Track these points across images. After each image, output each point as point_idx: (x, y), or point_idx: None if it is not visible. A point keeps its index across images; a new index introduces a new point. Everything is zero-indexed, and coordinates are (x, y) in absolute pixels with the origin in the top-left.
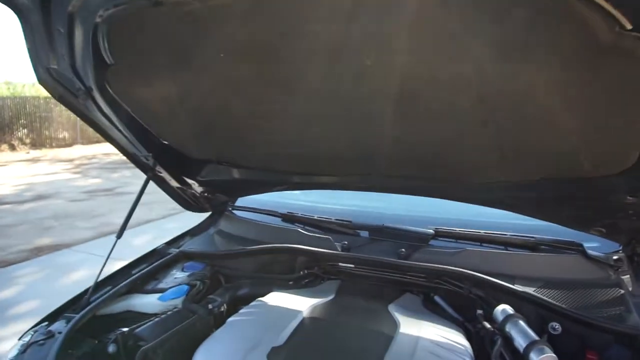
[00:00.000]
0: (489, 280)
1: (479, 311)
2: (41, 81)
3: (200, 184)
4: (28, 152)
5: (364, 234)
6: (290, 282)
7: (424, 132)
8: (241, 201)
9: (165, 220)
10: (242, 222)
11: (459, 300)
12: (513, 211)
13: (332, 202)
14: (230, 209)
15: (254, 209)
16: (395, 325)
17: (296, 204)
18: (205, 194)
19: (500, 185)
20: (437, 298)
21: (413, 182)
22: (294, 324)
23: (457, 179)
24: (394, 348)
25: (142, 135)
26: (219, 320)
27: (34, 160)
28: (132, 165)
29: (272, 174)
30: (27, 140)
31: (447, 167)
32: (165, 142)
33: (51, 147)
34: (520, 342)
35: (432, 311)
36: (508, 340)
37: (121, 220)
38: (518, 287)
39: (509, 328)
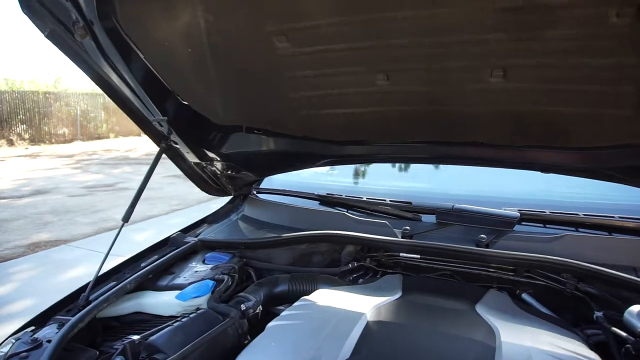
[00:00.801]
0: (603, 271)
1: (598, 313)
2: (26, 10)
3: (223, 158)
4: (27, 148)
5: (428, 218)
6: (336, 277)
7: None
8: (266, 182)
9: (168, 216)
10: (272, 205)
11: (556, 300)
12: (632, 185)
13: (379, 183)
14: (255, 192)
15: (284, 191)
16: (492, 331)
17: (334, 185)
18: (229, 172)
19: (621, 151)
20: (525, 296)
21: (491, 150)
22: (357, 330)
23: (559, 144)
24: None
25: (156, 92)
26: (254, 324)
27: (33, 155)
28: (133, 161)
29: (314, 144)
30: (26, 136)
31: (548, 128)
32: (185, 103)
33: (50, 143)
34: None
35: (526, 311)
36: None
37: (122, 216)
38: None
39: None
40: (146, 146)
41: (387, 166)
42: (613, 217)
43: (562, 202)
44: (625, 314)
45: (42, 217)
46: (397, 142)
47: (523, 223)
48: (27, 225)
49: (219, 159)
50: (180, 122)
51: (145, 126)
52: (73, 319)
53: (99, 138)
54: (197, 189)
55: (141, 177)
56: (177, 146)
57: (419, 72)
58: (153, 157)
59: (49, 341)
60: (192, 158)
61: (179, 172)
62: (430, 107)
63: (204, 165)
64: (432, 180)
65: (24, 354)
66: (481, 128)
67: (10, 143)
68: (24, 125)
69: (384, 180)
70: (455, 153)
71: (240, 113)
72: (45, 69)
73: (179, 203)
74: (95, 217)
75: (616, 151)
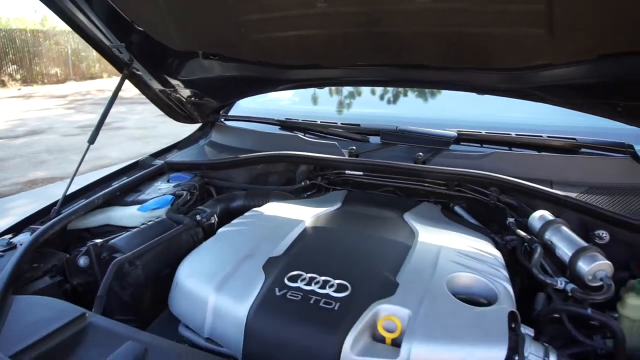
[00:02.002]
0: (521, 183)
1: (510, 219)
2: None
3: (186, 84)
4: (19, 89)
5: (374, 139)
6: (290, 194)
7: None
8: (234, 110)
9: None
10: (236, 130)
11: (483, 211)
12: (554, 104)
13: (334, 107)
14: (222, 119)
15: (248, 117)
16: (413, 234)
17: (295, 111)
18: (193, 99)
19: (543, 71)
20: (457, 208)
21: (433, 72)
22: (294, 233)
23: (489, 65)
24: (412, 258)
25: (112, 19)
26: (210, 233)
27: (26, 96)
28: (127, 100)
29: (269, 69)
30: (18, 77)
31: (477, 49)
32: (141, 29)
33: (43, 83)
34: (564, 250)
35: (454, 221)
36: (548, 250)
37: (116, 154)
38: (558, 192)
39: (549, 235)
40: None
41: (343, 94)
42: (541, 136)
43: (499, 122)
44: (529, 219)
45: (38, 156)
46: (346, 66)
47: (462, 143)
48: (23, 163)
49: (181, 85)
50: (139, 48)
51: (106, 53)
52: (43, 227)
53: (92, 78)
54: (189, 127)
55: (135, 117)
56: (139, 73)
57: None
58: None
59: (22, 245)
60: (155, 85)
61: None
62: (369, 29)
63: (168, 92)
64: (381, 105)
65: (0, 253)
66: (419, 50)
67: (3, 84)
68: (15, 66)
69: (338, 107)
70: (400, 76)
71: (194, 38)
72: (32, 6)
73: (172, 141)
74: (90, 155)
75: (538, 71)
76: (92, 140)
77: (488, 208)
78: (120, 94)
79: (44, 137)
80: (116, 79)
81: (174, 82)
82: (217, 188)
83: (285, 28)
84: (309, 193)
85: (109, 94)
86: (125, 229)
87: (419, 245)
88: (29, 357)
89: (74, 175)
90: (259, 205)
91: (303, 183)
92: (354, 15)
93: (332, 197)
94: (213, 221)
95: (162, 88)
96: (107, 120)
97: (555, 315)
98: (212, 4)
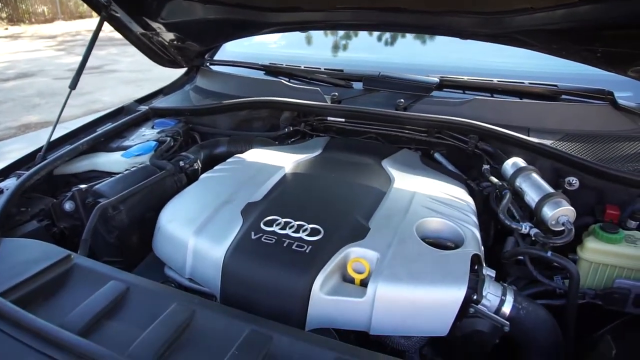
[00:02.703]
0: (498, 131)
1: (486, 166)
2: None
3: (167, 27)
4: (6, 29)
5: (357, 85)
6: (275, 141)
7: None
8: (220, 54)
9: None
10: (220, 75)
11: (463, 159)
12: (534, 49)
13: (320, 53)
14: (207, 64)
15: (233, 62)
16: (389, 180)
17: (280, 55)
18: (175, 42)
19: (523, 15)
20: (437, 155)
21: (411, 15)
22: (274, 179)
23: (468, 9)
24: (385, 204)
25: None
26: (193, 179)
27: (14, 37)
28: (119, 42)
29: (249, 12)
30: (3, 15)
31: None
32: None
33: (30, 22)
34: (532, 197)
35: (429, 167)
36: (518, 196)
37: (109, 98)
38: (532, 139)
39: (519, 182)
40: None
41: (328, 39)
42: (523, 82)
43: (481, 68)
44: (503, 165)
45: (30, 99)
46: (326, 9)
47: (444, 90)
48: (15, 107)
49: (163, 28)
50: None
51: None
52: (29, 172)
53: (80, 17)
54: (181, 71)
55: (128, 59)
56: (118, 15)
57: None
58: None
59: (8, 190)
60: (136, 28)
61: None
62: None
63: (150, 35)
64: (365, 51)
65: None
66: None
67: None
68: (0, 4)
69: (322, 51)
70: (380, 19)
71: None
72: None
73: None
74: (83, 100)
75: (518, 15)
76: (73, 86)
77: (467, 155)
78: (111, 34)
79: (35, 80)
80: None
81: (154, 25)
82: (201, 134)
83: None
84: (292, 140)
85: (100, 35)
86: (110, 174)
87: (394, 191)
88: (15, 296)
89: (57, 120)
90: (242, 152)
91: (286, 129)
92: None
93: (313, 144)
94: (196, 167)
95: (144, 31)
96: (98, 63)
97: (520, 257)
98: None
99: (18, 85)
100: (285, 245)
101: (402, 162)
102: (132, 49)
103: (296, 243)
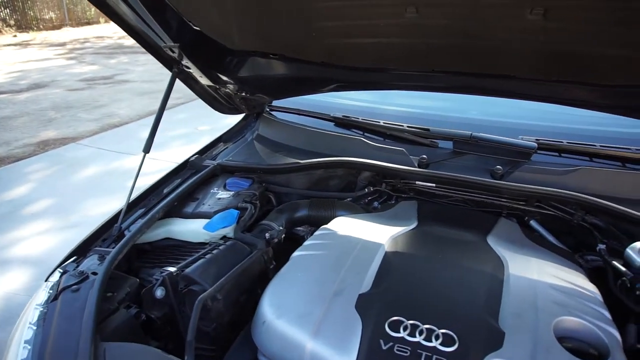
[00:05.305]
0: (612, 207)
1: (601, 246)
2: None
3: (237, 81)
4: (15, 36)
5: (443, 144)
6: (353, 203)
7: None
8: (281, 101)
9: (174, 111)
10: (287, 126)
11: (561, 224)
12: None
13: (394, 102)
14: (268, 109)
15: (300, 110)
16: (500, 263)
17: (350, 106)
18: (243, 94)
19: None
20: (533, 223)
21: (518, 83)
22: (377, 262)
23: (588, 81)
24: (509, 297)
25: (166, 18)
26: (277, 250)
27: (23, 44)
28: (128, 49)
29: (334, 70)
30: (12, 22)
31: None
32: (197, 28)
33: (38, 29)
34: None
35: (534, 240)
36: None
37: (125, 112)
38: None
39: None
40: None
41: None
42: (630, 148)
43: (579, 129)
44: (628, 249)
45: (45, 113)
46: (422, 71)
47: (539, 152)
48: (31, 122)
49: (232, 82)
50: (191, 47)
51: (155, 52)
52: (113, 252)
53: (88, 23)
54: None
55: (139, 68)
56: (189, 70)
57: (450, 7)
58: None
59: (94, 273)
60: (205, 81)
61: None
62: (462, 41)
63: (217, 87)
64: (450, 104)
65: (75, 286)
66: (514, 62)
67: None
68: (8, 10)
69: (401, 101)
70: (484, 85)
71: (257, 39)
72: None
73: (181, 96)
74: (98, 113)
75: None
76: (147, 150)
77: (563, 222)
78: (120, 41)
79: (48, 91)
80: (114, 25)
81: (224, 78)
82: (275, 194)
83: (364, 35)
84: (370, 198)
85: (109, 42)
86: (189, 244)
87: (512, 279)
88: None
89: (131, 191)
90: (324, 216)
91: (366, 189)
92: (446, 27)
93: (403, 213)
94: (281, 239)
95: (212, 84)
96: (110, 72)
97: None
98: (290, 7)
99: (32, 98)
100: (423, 359)
101: (506, 237)
102: (143, 58)
103: (434, 356)
